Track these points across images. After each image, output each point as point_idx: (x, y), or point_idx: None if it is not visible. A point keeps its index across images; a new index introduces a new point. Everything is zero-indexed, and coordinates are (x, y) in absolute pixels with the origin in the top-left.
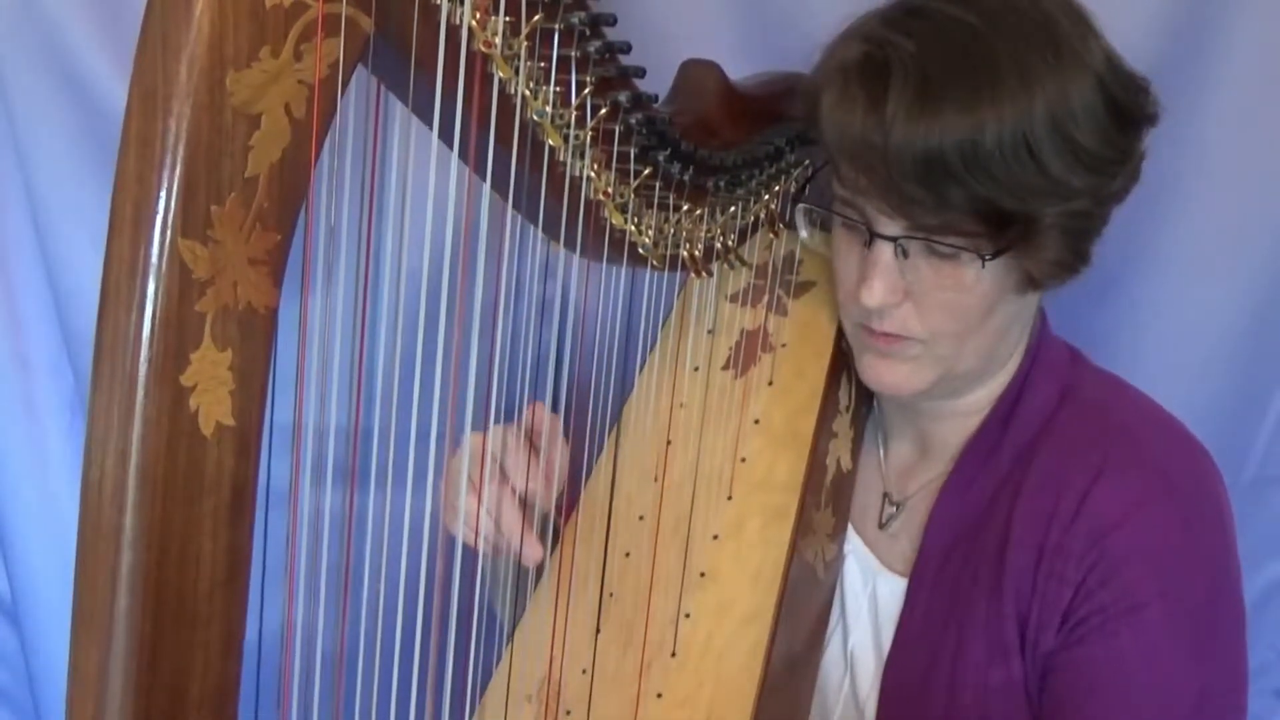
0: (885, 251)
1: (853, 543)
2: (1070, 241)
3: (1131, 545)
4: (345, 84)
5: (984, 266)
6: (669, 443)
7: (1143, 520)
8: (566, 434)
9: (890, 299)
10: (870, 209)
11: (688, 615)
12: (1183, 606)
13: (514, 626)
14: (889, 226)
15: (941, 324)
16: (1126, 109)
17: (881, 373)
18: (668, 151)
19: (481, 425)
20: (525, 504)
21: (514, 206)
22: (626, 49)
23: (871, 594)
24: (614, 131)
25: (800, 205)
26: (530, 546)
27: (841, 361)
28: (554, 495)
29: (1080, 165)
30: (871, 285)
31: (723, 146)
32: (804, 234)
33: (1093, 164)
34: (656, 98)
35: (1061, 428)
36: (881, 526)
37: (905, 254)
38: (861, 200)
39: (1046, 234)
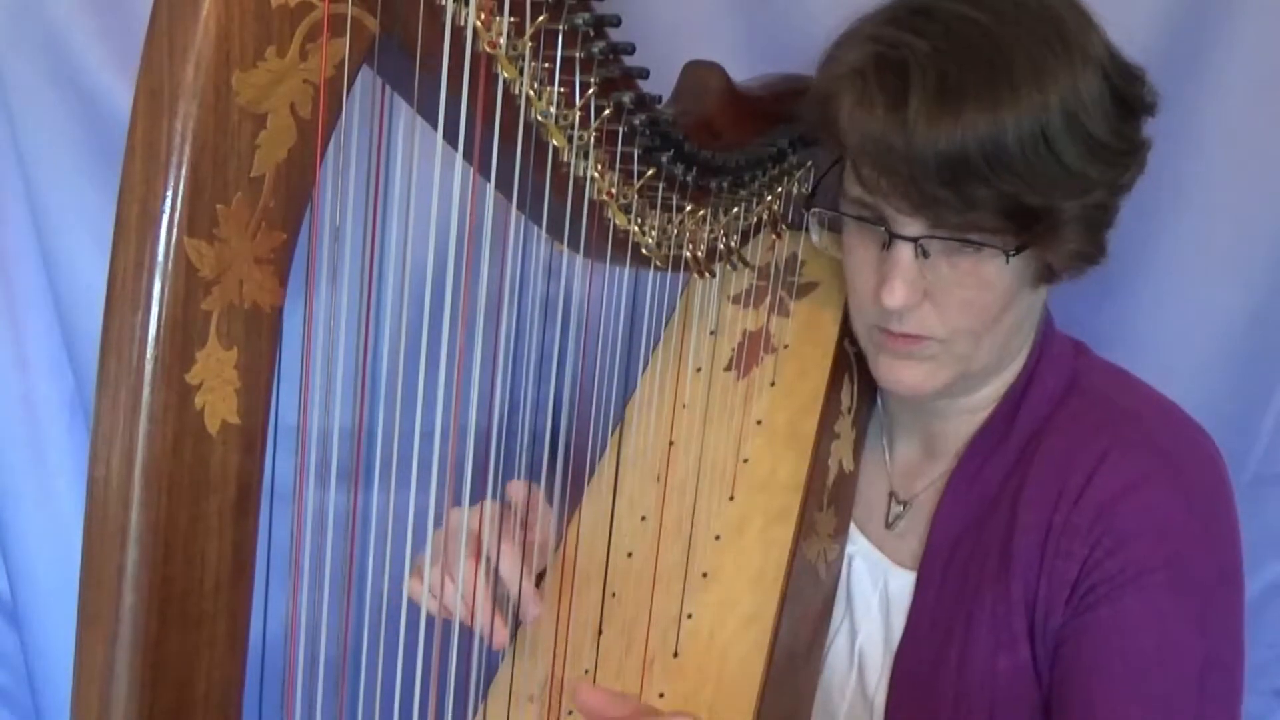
0: (905, 252)
1: (859, 543)
2: (1090, 232)
3: (1138, 519)
4: (351, 84)
5: (1008, 262)
6: (671, 443)
7: (1148, 496)
8: (568, 436)
9: (912, 299)
10: (888, 210)
11: (690, 615)
12: (1188, 577)
13: (514, 630)
14: (909, 227)
15: (961, 322)
16: (1129, 99)
17: (900, 374)
18: (671, 152)
19: (484, 424)
20: (496, 580)
21: (518, 207)
22: (630, 50)
23: (883, 591)
24: (618, 132)
25: (813, 210)
26: (498, 632)
27: (844, 363)
28: (534, 570)
29: (1094, 157)
30: (893, 287)
31: (726, 148)
32: (815, 237)
33: (1105, 155)
34: (660, 99)
35: (1067, 416)
36: (888, 526)
37: (925, 254)
38: (880, 201)
39: (1069, 226)
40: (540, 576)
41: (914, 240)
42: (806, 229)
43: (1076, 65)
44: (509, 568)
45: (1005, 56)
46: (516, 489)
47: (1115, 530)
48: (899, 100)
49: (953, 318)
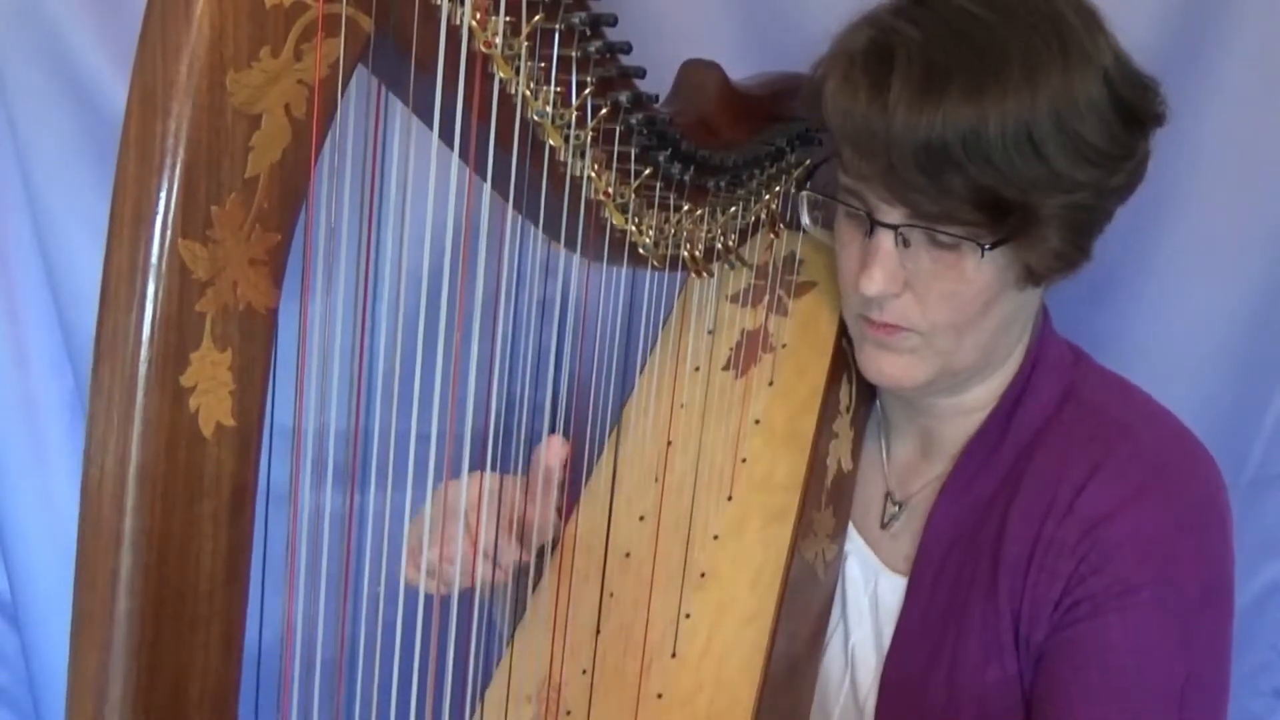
0: (886, 240)
1: (854, 543)
2: (1070, 234)
3: (1124, 535)
4: (345, 84)
5: (983, 256)
6: (669, 443)
7: (1137, 513)
8: (567, 436)
9: (890, 288)
10: (872, 197)
11: (688, 615)
12: (1173, 596)
13: (513, 628)
14: (890, 215)
15: (941, 316)
16: (1133, 108)
17: (881, 364)
18: (668, 151)
19: (481, 425)
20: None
21: (514, 207)
22: (627, 49)
23: (873, 593)
24: (614, 131)
25: (804, 193)
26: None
27: (842, 362)
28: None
29: (1083, 159)
30: (872, 274)
31: (723, 147)
32: (805, 219)
33: (1096, 158)
34: (657, 98)
35: (1062, 426)
36: (884, 526)
37: (906, 243)
38: (864, 188)
39: (1046, 225)
40: (540, 554)
41: (894, 228)
42: (799, 219)
43: (1074, 67)
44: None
45: (998, 51)
46: (553, 447)
47: (1102, 548)
48: (882, 85)
49: (933, 310)
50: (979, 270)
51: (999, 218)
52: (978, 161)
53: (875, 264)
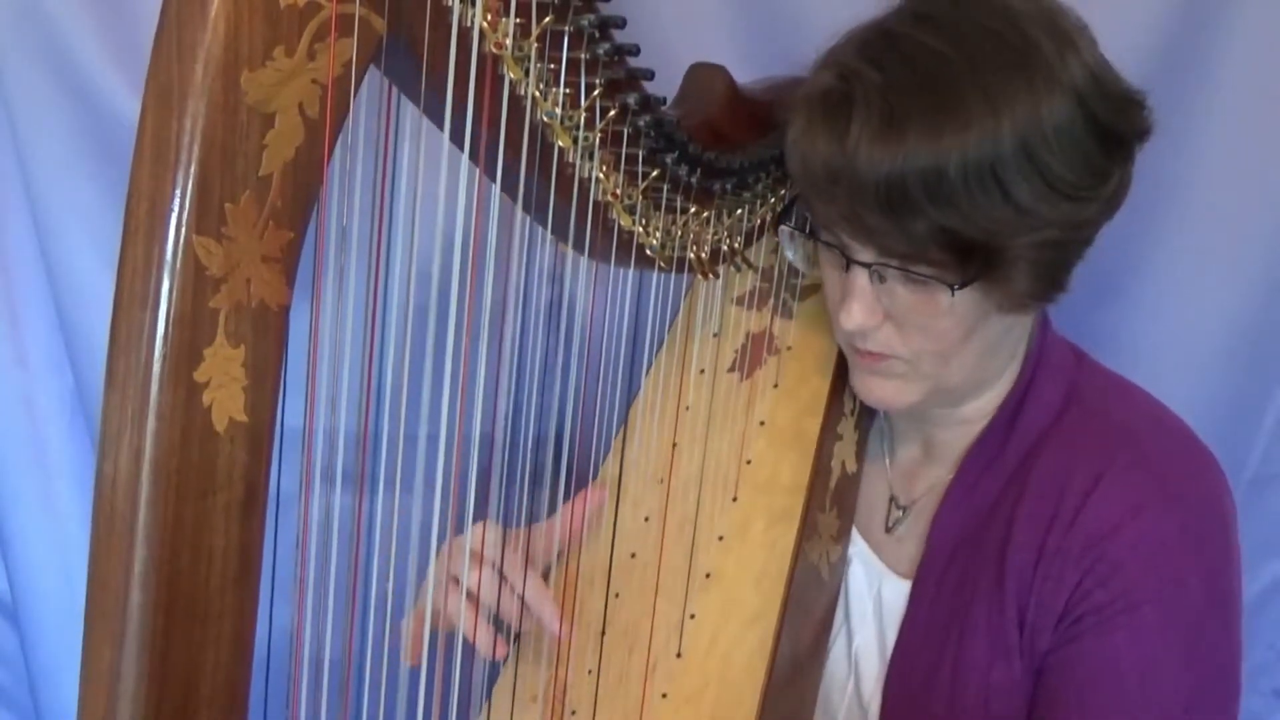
0: (861, 276)
1: (858, 546)
2: (1041, 272)
3: (1130, 548)
4: (358, 84)
5: (953, 295)
6: (675, 445)
7: (1142, 524)
8: (572, 438)
9: (869, 322)
10: (844, 235)
11: (693, 616)
12: (1178, 609)
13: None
14: (862, 253)
15: (922, 345)
16: (1111, 127)
17: (872, 388)
18: (675, 154)
19: (489, 427)
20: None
21: (523, 208)
22: (635, 51)
23: (877, 596)
24: (622, 133)
25: (782, 228)
26: (499, 646)
27: (846, 365)
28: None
29: (1052, 192)
30: (850, 309)
31: (730, 149)
32: (790, 254)
33: (1065, 190)
34: (664, 100)
35: (1066, 431)
36: (888, 530)
37: (881, 278)
38: (835, 227)
39: (1013, 266)
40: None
41: (867, 266)
42: (782, 247)
43: (1040, 94)
44: (531, 590)
45: (959, 88)
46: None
47: (1107, 559)
48: (841, 130)
49: (913, 340)
50: (952, 306)
51: (964, 259)
52: (938, 202)
53: (853, 299)
